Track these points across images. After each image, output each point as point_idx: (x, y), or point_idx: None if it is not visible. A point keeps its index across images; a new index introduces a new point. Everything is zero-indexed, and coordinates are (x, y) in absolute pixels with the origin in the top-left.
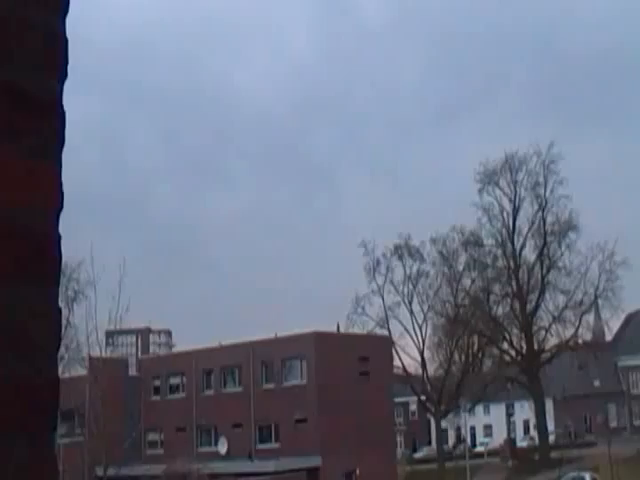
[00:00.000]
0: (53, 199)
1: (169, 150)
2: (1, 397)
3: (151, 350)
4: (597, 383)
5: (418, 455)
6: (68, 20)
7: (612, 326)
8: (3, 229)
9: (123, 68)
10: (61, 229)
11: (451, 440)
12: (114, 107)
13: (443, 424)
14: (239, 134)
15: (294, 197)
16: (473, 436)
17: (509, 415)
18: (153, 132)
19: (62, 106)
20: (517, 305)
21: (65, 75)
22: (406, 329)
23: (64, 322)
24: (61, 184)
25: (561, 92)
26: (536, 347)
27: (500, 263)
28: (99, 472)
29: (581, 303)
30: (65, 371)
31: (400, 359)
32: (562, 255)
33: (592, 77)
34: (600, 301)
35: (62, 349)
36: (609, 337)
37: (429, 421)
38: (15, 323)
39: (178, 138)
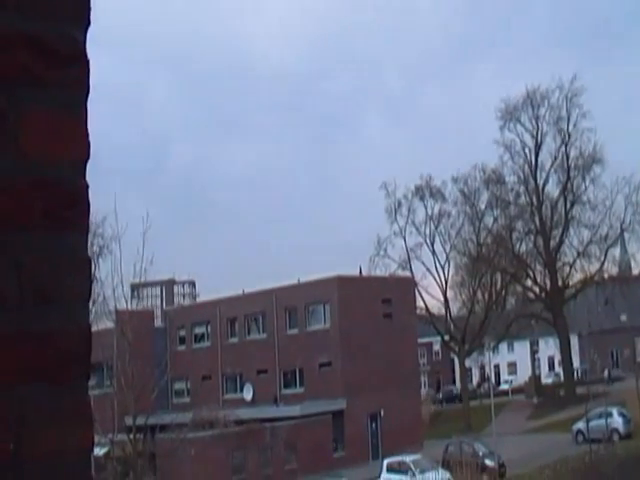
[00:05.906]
0: (81, 149)
1: (188, 103)
2: (38, 347)
3: (175, 301)
4: (624, 317)
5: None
6: None
7: (639, 259)
8: (34, 180)
9: (138, 21)
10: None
11: (475, 379)
12: (133, 60)
13: (467, 363)
14: (256, 83)
15: (313, 143)
16: (497, 374)
17: (533, 352)
18: (171, 86)
19: (86, 55)
20: (540, 241)
21: (88, 23)
22: (428, 270)
23: None
24: (88, 134)
25: (581, 21)
26: (560, 283)
27: (523, 200)
28: (128, 421)
29: (606, 237)
30: (93, 325)
31: (423, 300)
32: (586, 189)
33: (613, 3)
34: (626, 234)
35: (89, 303)
36: (636, 271)
37: (453, 361)
38: (49, 273)
39: (195, 90)
